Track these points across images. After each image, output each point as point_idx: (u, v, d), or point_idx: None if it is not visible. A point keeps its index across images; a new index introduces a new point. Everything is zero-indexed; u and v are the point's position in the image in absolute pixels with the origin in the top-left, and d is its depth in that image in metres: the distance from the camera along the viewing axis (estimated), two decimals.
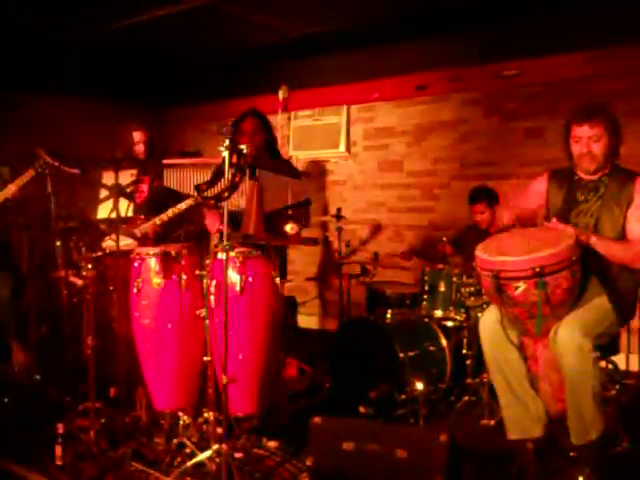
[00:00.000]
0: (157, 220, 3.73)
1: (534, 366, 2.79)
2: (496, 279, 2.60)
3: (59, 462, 3.21)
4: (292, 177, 3.37)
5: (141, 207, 4.06)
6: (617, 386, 3.22)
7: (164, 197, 3.62)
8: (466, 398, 3.91)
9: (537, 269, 2.52)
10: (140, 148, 4.16)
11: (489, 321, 2.89)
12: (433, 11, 5.31)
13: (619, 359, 3.56)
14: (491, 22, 5.39)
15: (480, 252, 2.73)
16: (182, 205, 3.53)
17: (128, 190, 3.82)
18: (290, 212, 3.44)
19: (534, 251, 2.57)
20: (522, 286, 2.57)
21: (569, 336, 2.61)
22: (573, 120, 2.93)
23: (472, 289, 3.93)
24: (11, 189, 4.36)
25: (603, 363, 3.07)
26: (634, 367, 4.33)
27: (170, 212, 3.65)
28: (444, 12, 5.32)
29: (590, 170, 2.94)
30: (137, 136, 4.18)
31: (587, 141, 2.89)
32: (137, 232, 3.84)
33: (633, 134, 3.02)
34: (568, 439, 2.77)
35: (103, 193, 4.12)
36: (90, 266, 3.60)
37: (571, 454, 2.79)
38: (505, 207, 3.29)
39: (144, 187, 4.07)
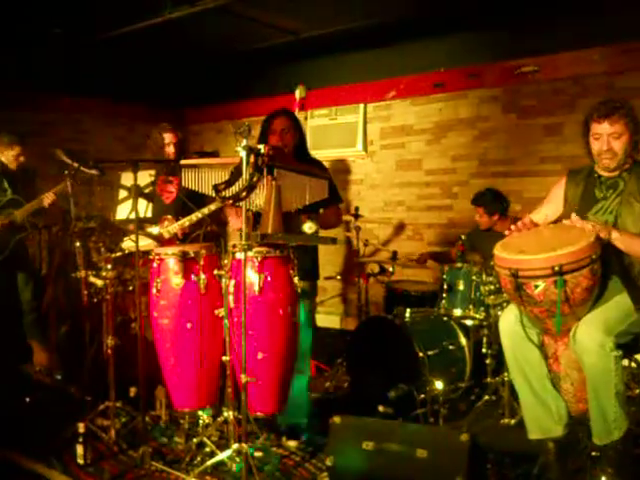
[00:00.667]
0: (187, 221, 3.76)
1: (555, 365, 2.76)
2: (515, 278, 2.58)
3: (80, 461, 3.24)
4: (319, 178, 3.35)
5: (170, 207, 4.08)
6: None
7: (192, 198, 3.64)
8: (486, 397, 3.88)
9: (556, 268, 2.49)
10: (170, 149, 4.19)
11: (509, 320, 2.86)
12: (450, 9, 5.30)
13: None
14: (508, 19, 5.36)
15: (499, 250, 2.70)
16: (212, 206, 3.52)
17: (147, 191, 3.83)
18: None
19: (553, 249, 2.53)
20: (541, 285, 2.54)
21: (590, 335, 2.58)
22: (592, 117, 2.89)
23: (492, 287, 3.89)
24: (48, 197, 4.44)
25: (626, 362, 3.03)
26: None
27: (199, 213, 3.66)
28: (461, 10, 5.30)
29: (610, 167, 2.91)
30: (168, 137, 4.21)
31: (607, 138, 2.85)
32: (165, 233, 3.87)
33: None
34: (590, 439, 2.74)
35: (122, 194, 4.14)
36: (109, 266, 3.63)
37: (593, 454, 2.75)
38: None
39: (173, 187, 4.08)
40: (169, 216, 3.91)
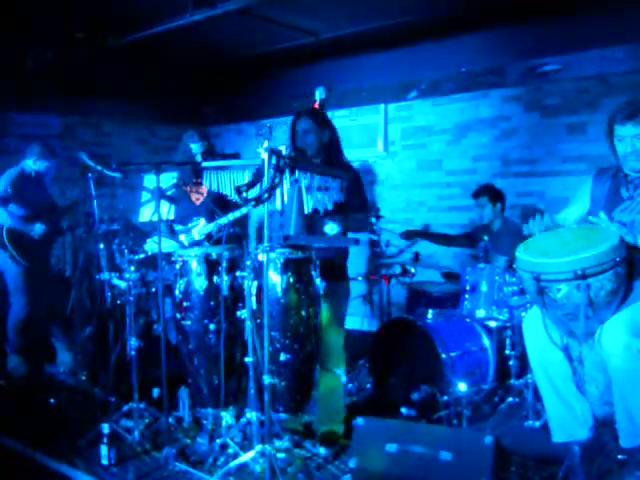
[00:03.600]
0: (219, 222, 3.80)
1: (580, 368, 2.73)
2: (537, 281, 2.55)
3: (104, 462, 3.26)
4: (342, 179, 3.34)
5: (200, 209, 4.13)
6: None
7: (220, 200, 3.67)
8: (510, 399, 3.84)
9: (579, 271, 2.45)
10: (198, 158, 4.26)
11: (532, 322, 2.84)
12: (471, 8, 5.26)
13: None
14: (530, 18, 5.31)
15: (520, 253, 2.67)
16: (244, 209, 3.52)
17: (169, 193, 3.86)
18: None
19: (575, 252, 2.50)
20: (564, 289, 2.51)
21: (616, 336, 2.55)
22: (615, 119, 2.85)
23: (515, 288, 3.86)
24: None
25: None
26: None
27: (231, 215, 3.68)
28: (482, 9, 5.26)
29: (636, 168, 2.87)
30: (195, 148, 4.28)
31: (631, 140, 2.81)
32: (196, 235, 3.91)
33: None
34: (617, 442, 2.70)
35: (145, 196, 4.17)
36: (133, 268, 3.66)
37: (620, 457, 2.71)
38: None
39: (203, 190, 4.13)
40: (201, 218, 3.93)
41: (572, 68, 5.34)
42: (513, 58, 5.64)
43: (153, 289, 3.86)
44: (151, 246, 3.77)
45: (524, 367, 3.75)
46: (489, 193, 4.87)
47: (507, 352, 3.94)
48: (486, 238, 4.36)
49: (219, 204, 3.92)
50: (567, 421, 2.84)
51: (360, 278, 5.62)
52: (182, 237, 3.70)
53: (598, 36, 5.12)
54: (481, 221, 4.93)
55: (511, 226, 4.78)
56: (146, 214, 4.26)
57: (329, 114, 6.54)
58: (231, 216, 3.66)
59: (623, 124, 2.82)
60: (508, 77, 5.68)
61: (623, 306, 2.64)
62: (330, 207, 3.36)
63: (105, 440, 3.27)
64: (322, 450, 3.34)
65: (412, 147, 6.31)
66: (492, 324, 4.10)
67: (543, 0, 5.01)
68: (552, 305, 2.58)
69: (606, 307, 2.57)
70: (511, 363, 3.90)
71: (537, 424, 3.54)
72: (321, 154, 3.51)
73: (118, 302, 3.87)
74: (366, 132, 6.48)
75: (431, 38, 5.86)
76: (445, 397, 3.62)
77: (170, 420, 3.53)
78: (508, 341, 3.96)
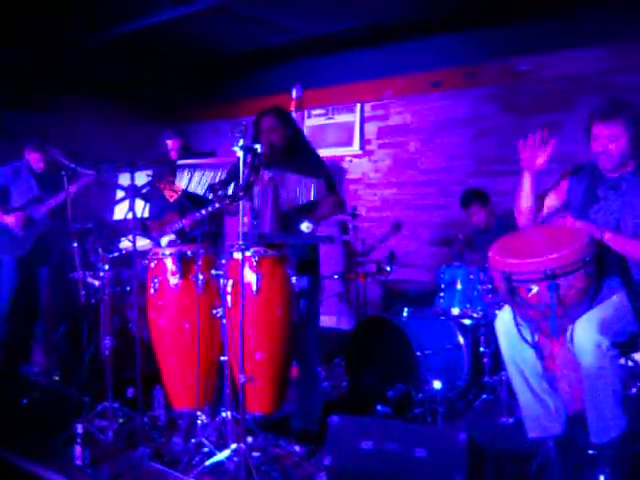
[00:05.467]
0: (190, 219, 3.79)
1: (552, 365, 2.76)
2: (508, 281, 2.58)
3: (78, 462, 3.23)
4: (312, 176, 3.34)
5: (174, 205, 4.12)
6: (638, 384, 3.18)
7: (194, 196, 3.66)
8: (484, 396, 3.88)
9: (548, 272, 2.48)
10: (173, 155, 4.25)
11: (505, 320, 2.86)
12: (447, 8, 5.29)
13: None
14: (506, 18, 5.35)
15: (493, 253, 2.70)
16: (217, 205, 3.50)
17: (144, 191, 3.84)
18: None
19: (545, 253, 2.53)
20: (535, 288, 2.54)
21: (586, 335, 2.58)
22: (592, 118, 2.89)
23: (489, 286, 3.89)
24: (72, 189, 4.41)
25: (624, 360, 3.03)
26: None
27: (203, 211, 3.67)
28: (458, 9, 5.30)
29: (607, 168, 2.91)
30: (170, 144, 4.28)
31: (604, 141, 2.85)
32: (167, 231, 3.93)
33: None
34: (588, 438, 2.74)
35: (119, 194, 4.14)
36: (107, 267, 3.63)
37: (591, 453, 2.75)
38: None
39: (177, 187, 4.12)
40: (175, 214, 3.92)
41: (547, 68, 5.40)
42: (489, 58, 5.68)
43: (128, 288, 3.83)
44: (126, 244, 3.74)
45: (498, 364, 3.78)
46: (478, 198, 4.78)
47: (481, 350, 3.97)
48: (460, 237, 4.39)
49: (193, 202, 3.90)
50: (540, 417, 2.87)
51: (336, 276, 5.64)
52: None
53: (573, 36, 5.18)
54: (478, 227, 4.80)
55: (506, 216, 4.77)
56: (120, 212, 4.23)
57: (306, 113, 6.62)
58: (204, 211, 3.66)
59: (598, 124, 2.86)
60: (484, 77, 5.73)
61: (594, 305, 2.68)
62: (305, 205, 3.37)
63: (79, 440, 3.24)
64: (298, 448, 3.35)
65: (388, 146, 6.33)
66: (467, 322, 4.14)
67: (519, 1, 5.06)
68: (523, 304, 2.61)
69: (576, 306, 2.60)
70: (485, 361, 3.94)
71: (511, 420, 3.58)
72: (286, 152, 3.50)
73: (92, 301, 3.83)
74: (342, 131, 6.49)
75: (407, 37, 5.89)
76: (420, 395, 3.63)
77: (145, 420, 3.51)
78: (482, 339, 3.99)
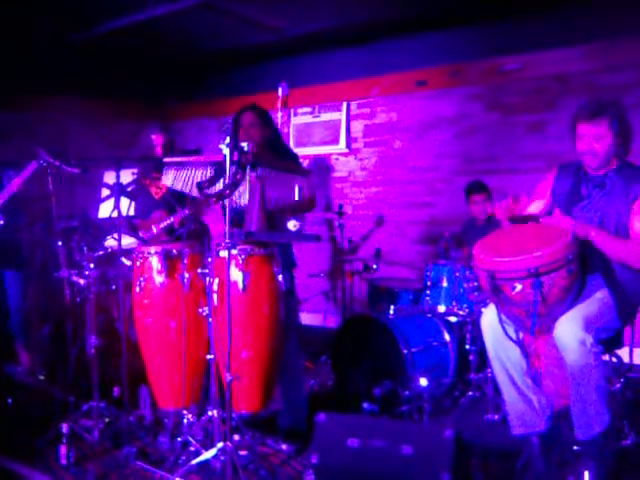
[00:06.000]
0: (179, 215, 3.78)
1: (536, 362, 2.79)
2: (492, 279, 2.59)
3: (64, 462, 3.21)
4: (296, 174, 3.34)
5: (160, 202, 4.11)
6: (622, 380, 3.20)
7: (179, 193, 3.65)
8: (470, 393, 3.90)
9: (532, 270, 2.50)
10: (158, 150, 4.23)
11: (489, 318, 2.88)
12: (433, 6, 5.30)
13: (623, 352, 3.55)
14: (491, 16, 5.38)
15: (477, 252, 2.71)
16: (209, 203, 3.50)
17: (129, 189, 3.81)
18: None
19: (529, 251, 2.55)
20: (518, 286, 2.56)
21: (570, 331, 2.60)
22: (577, 117, 2.91)
23: (475, 284, 3.91)
24: (16, 182, 4.36)
25: (607, 357, 3.06)
26: (639, 360, 4.32)
27: (187, 210, 3.67)
28: (444, 7, 5.31)
29: (592, 167, 2.93)
30: (155, 139, 4.26)
31: (589, 139, 2.87)
32: (154, 229, 3.92)
33: (636, 128, 3.00)
34: (573, 434, 2.76)
35: (104, 192, 4.12)
36: (92, 265, 3.61)
37: (576, 448, 2.78)
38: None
39: (162, 184, 4.11)
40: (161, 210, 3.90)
41: (532, 67, 5.43)
42: (474, 56, 5.70)
43: (113, 286, 3.81)
44: (111, 243, 3.72)
45: (484, 362, 3.80)
46: (485, 189, 4.77)
47: (467, 347, 3.99)
48: (446, 234, 4.41)
49: (179, 199, 3.90)
50: (525, 414, 2.89)
51: (322, 275, 5.64)
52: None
53: (557, 36, 5.21)
54: (475, 219, 4.81)
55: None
56: (106, 210, 4.21)
57: (292, 111, 6.61)
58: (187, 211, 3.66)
59: (583, 123, 2.87)
60: (469, 75, 5.75)
61: (577, 302, 2.70)
62: (291, 203, 3.37)
63: (64, 440, 3.23)
64: (285, 446, 3.35)
65: (374, 144, 6.34)
66: (453, 319, 4.15)
67: (504, 0, 5.09)
68: (507, 302, 2.63)
69: (559, 303, 2.62)
70: (471, 358, 3.96)
71: (497, 417, 3.60)
72: (268, 149, 3.52)
73: (77, 300, 3.80)
74: (328, 129, 6.50)
75: (394, 36, 5.91)
76: (407, 392, 3.64)
77: (131, 419, 3.50)
78: (468, 336, 4.01)
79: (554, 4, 5.05)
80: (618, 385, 3.38)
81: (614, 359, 3.34)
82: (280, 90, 6.56)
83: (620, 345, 3.02)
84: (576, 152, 2.97)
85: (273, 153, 3.53)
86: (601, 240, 2.74)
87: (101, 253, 3.75)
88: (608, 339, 2.81)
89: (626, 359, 3.35)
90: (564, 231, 2.66)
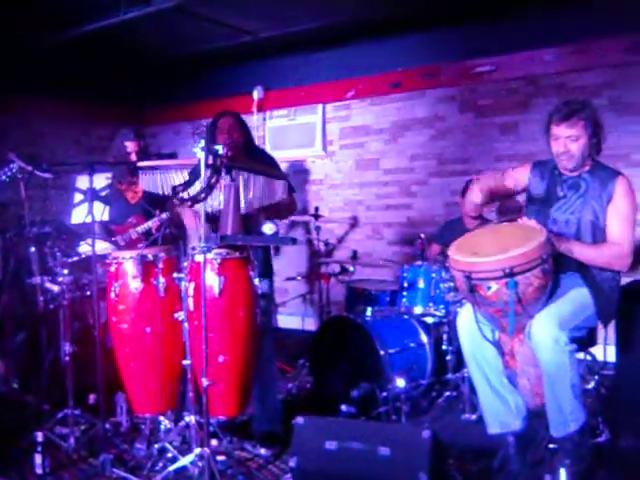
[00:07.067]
0: (157, 220, 3.76)
1: (512, 362, 2.80)
2: (468, 280, 2.61)
3: (39, 471, 3.17)
4: (273, 177, 3.34)
5: (137, 207, 4.09)
6: (596, 377, 3.25)
7: (156, 200, 3.63)
8: (447, 393, 3.92)
9: (507, 270, 2.52)
10: (133, 157, 4.20)
11: (465, 319, 2.90)
12: (406, 9, 5.33)
13: (597, 350, 3.60)
14: (464, 19, 5.42)
15: (452, 252, 2.73)
16: (185, 206, 3.48)
17: (103, 194, 3.79)
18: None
19: (504, 251, 2.57)
20: (494, 286, 2.58)
21: (544, 330, 2.63)
22: (552, 119, 2.94)
23: (451, 284, 3.94)
24: None
25: (582, 355, 3.09)
26: (612, 358, 4.37)
27: (165, 215, 3.65)
28: (417, 10, 5.35)
29: (567, 168, 2.97)
30: (130, 146, 4.22)
31: (564, 141, 2.90)
32: (133, 234, 3.88)
33: (606, 127, 3.04)
34: (548, 432, 2.79)
35: (77, 197, 4.08)
36: (66, 271, 3.57)
37: (551, 446, 2.80)
38: (476, 182, 3.30)
39: (138, 189, 4.08)
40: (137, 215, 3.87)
41: (504, 69, 5.49)
42: (447, 59, 5.75)
43: (88, 292, 3.78)
44: (85, 248, 3.68)
45: (461, 362, 3.82)
46: None
47: (444, 347, 4.01)
48: (422, 236, 4.42)
49: (156, 204, 3.88)
50: (501, 413, 2.91)
51: (299, 278, 5.64)
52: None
53: (528, 38, 5.28)
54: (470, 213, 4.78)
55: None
56: (79, 216, 4.17)
57: (267, 114, 6.61)
58: (165, 215, 3.64)
59: (559, 124, 2.91)
60: (443, 77, 5.79)
61: (551, 300, 2.73)
62: (268, 207, 3.37)
63: (39, 448, 3.18)
64: (263, 451, 3.34)
65: (350, 146, 6.36)
66: (429, 320, 4.17)
67: (476, 2, 5.13)
68: (483, 302, 2.65)
69: (534, 303, 2.65)
70: (448, 358, 3.97)
71: (473, 417, 3.62)
72: (246, 153, 3.53)
73: (51, 307, 3.76)
74: (304, 132, 6.50)
75: (368, 38, 5.93)
76: (384, 393, 3.65)
77: (107, 426, 3.46)
78: (445, 337, 4.03)
79: (525, 7, 5.10)
80: (593, 383, 3.43)
81: (588, 357, 3.38)
82: (255, 93, 6.56)
83: (594, 343, 3.06)
84: (551, 153, 3.00)
85: (251, 157, 3.52)
86: (576, 250, 2.77)
87: (75, 259, 3.71)
88: (582, 338, 2.85)
89: (600, 357, 3.40)
90: (538, 231, 2.69)
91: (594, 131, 2.90)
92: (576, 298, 2.82)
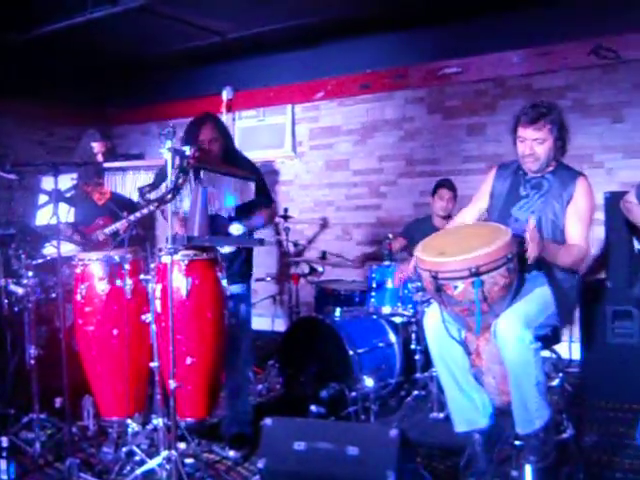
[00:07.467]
0: (125, 222, 3.72)
1: (478, 360, 2.83)
2: (435, 279, 2.63)
3: (4, 477, 3.12)
4: (246, 180, 3.33)
5: (104, 208, 4.04)
6: (560, 375, 3.30)
7: (124, 201, 3.60)
8: (416, 392, 3.95)
9: (473, 269, 2.55)
10: (100, 158, 4.15)
11: (432, 318, 2.91)
12: (375, 10, 5.36)
13: (563, 348, 3.66)
14: (432, 22, 5.47)
15: (419, 252, 2.75)
16: (152, 207, 3.44)
17: (68, 195, 3.74)
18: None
19: (470, 251, 2.59)
20: (460, 286, 2.60)
21: (509, 329, 2.65)
22: (519, 121, 2.98)
23: (418, 284, 3.96)
24: None
25: (548, 353, 3.13)
26: (577, 356, 4.45)
27: (139, 213, 3.61)
28: (386, 11, 5.38)
29: (532, 170, 3.01)
30: (96, 147, 4.18)
31: (531, 143, 2.94)
32: (101, 235, 3.85)
33: (571, 129, 3.10)
34: (514, 429, 2.82)
35: (42, 198, 4.02)
36: (31, 274, 3.52)
37: (517, 443, 2.84)
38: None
39: (105, 190, 4.03)
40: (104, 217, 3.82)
41: (471, 71, 5.55)
42: (416, 60, 5.80)
43: (53, 295, 3.73)
44: (50, 250, 3.63)
45: (429, 361, 3.83)
46: (451, 185, 4.81)
47: (413, 347, 4.04)
48: (390, 236, 4.45)
49: (123, 205, 3.84)
50: (467, 411, 2.93)
51: (268, 279, 5.63)
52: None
53: (495, 41, 5.35)
54: (440, 212, 4.77)
55: None
56: (44, 217, 4.11)
57: (236, 115, 6.58)
58: (139, 213, 3.60)
59: (525, 127, 2.94)
60: (411, 79, 5.84)
61: (516, 300, 2.76)
62: (235, 207, 3.36)
63: (4, 454, 3.13)
64: (231, 453, 3.33)
65: (319, 147, 6.37)
66: (398, 320, 4.20)
67: (444, 4, 5.18)
68: (450, 302, 2.67)
69: (500, 301, 2.68)
70: (417, 357, 4.00)
71: (441, 415, 3.66)
72: (223, 159, 3.49)
73: (16, 309, 3.70)
74: (274, 133, 6.49)
75: (337, 39, 5.95)
76: (353, 393, 3.67)
77: (74, 430, 3.42)
78: (414, 336, 4.06)
79: (493, 10, 5.16)
80: (557, 380, 3.48)
81: (553, 355, 3.43)
82: (224, 94, 6.54)
83: (558, 341, 3.10)
84: (517, 155, 3.04)
85: (225, 159, 3.48)
86: (547, 257, 2.80)
87: (40, 261, 3.66)
88: (546, 336, 2.88)
89: (565, 355, 3.45)
90: (504, 231, 2.72)
91: (560, 134, 2.95)
92: (540, 297, 2.85)
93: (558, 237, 2.91)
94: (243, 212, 3.45)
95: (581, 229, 2.90)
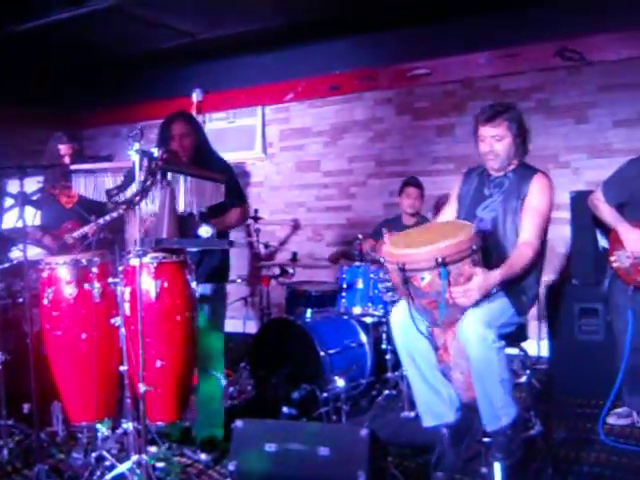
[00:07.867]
0: (94, 225, 3.68)
1: (446, 356, 2.86)
2: (402, 272, 2.67)
3: None
4: (215, 181, 3.32)
5: (72, 211, 3.99)
6: (528, 372, 3.33)
7: (92, 202, 3.56)
8: (387, 392, 3.97)
9: (439, 259, 2.59)
10: (67, 160, 4.10)
11: (399, 313, 2.94)
12: (344, 12, 5.38)
13: (530, 345, 3.70)
14: (401, 24, 5.51)
15: (387, 246, 2.79)
16: (120, 210, 3.41)
17: (34, 198, 3.69)
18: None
19: (436, 242, 2.65)
20: (427, 277, 2.64)
21: (472, 327, 2.68)
22: (478, 120, 3.03)
23: (389, 284, 3.99)
24: None
25: (516, 350, 3.17)
26: (545, 353, 4.52)
27: (108, 217, 3.57)
28: (355, 13, 5.40)
29: (494, 167, 3.06)
30: (63, 149, 4.12)
31: (490, 140, 3.00)
32: (69, 239, 3.80)
33: (535, 129, 3.16)
34: (481, 425, 2.85)
35: (8, 202, 3.96)
36: None
37: (485, 440, 2.87)
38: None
39: (73, 194, 3.99)
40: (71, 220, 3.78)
41: (439, 72, 5.60)
42: (385, 62, 5.83)
43: (20, 299, 3.68)
44: (16, 254, 3.59)
45: (400, 360, 3.88)
46: (417, 182, 4.87)
47: (383, 346, 4.07)
48: (360, 236, 4.47)
49: (91, 208, 3.80)
50: (434, 405, 2.96)
51: (239, 280, 5.62)
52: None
53: (462, 42, 5.40)
54: (408, 209, 4.85)
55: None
56: (10, 221, 4.05)
57: (206, 116, 6.55)
58: (108, 217, 3.57)
59: (484, 125, 3.00)
60: (380, 80, 5.87)
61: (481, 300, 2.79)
62: (205, 209, 3.34)
63: None
64: (203, 456, 3.32)
65: (290, 149, 6.38)
66: (368, 320, 4.22)
67: (412, 7, 5.22)
68: (417, 294, 2.70)
69: None
70: (387, 357, 4.04)
71: (412, 414, 3.69)
72: (195, 156, 3.50)
73: None
74: (244, 134, 6.48)
75: (307, 41, 5.95)
76: (325, 394, 3.68)
77: (43, 436, 3.38)
78: (384, 336, 4.09)
79: (460, 12, 5.22)
80: (525, 377, 3.52)
81: (520, 352, 3.47)
82: (194, 95, 6.50)
83: (525, 339, 3.14)
84: (479, 154, 3.09)
85: (196, 159, 3.48)
86: (506, 275, 2.80)
87: (6, 265, 3.60)
88: (511, 334, 2.92)
89: (534, 352, 3.49)
90: (468, 225, 2.78)
91: (518, 131, 3.00)
92: (502, 296, 2.89)
93: (517, 235, 2.95)
94: (214, 212, 3.44)
95: (532, 224, 2.92)
